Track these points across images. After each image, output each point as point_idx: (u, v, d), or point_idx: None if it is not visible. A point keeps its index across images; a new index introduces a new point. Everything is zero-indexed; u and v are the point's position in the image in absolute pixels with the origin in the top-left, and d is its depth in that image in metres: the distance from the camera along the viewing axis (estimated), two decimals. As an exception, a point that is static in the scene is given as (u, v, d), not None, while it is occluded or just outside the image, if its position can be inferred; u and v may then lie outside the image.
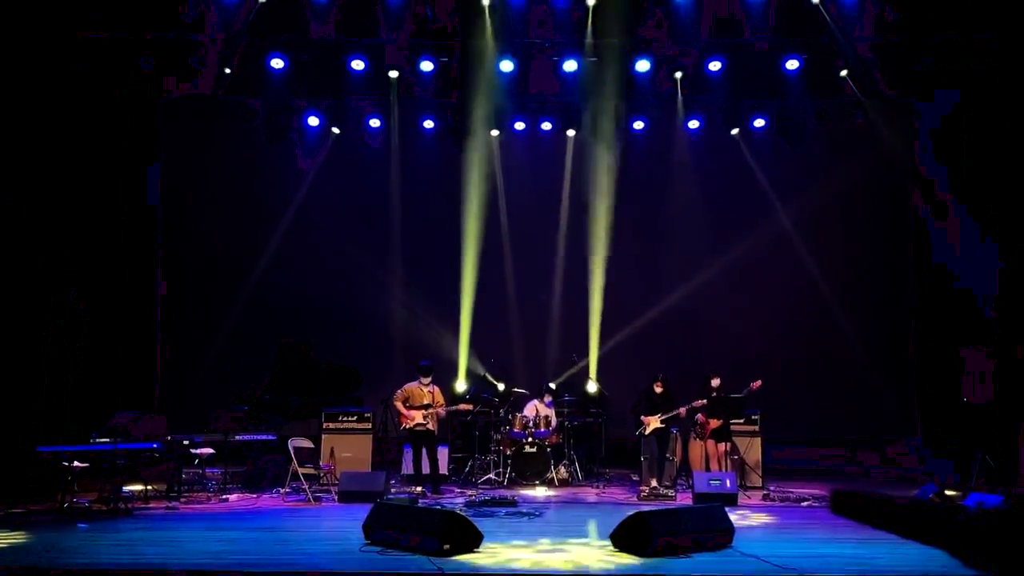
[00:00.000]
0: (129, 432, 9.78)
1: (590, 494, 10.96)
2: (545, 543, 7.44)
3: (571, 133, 14.11)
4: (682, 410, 10.80)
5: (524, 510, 9.32)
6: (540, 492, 10.98)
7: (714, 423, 10.84)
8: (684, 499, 10.20)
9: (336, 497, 10.11)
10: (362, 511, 7.73)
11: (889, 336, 14.07)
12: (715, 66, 12.73)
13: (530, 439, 11.48)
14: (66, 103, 11.61)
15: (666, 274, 14.20)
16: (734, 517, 7.75)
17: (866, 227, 14.21)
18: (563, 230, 14.24)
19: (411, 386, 11.01)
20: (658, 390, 10.90)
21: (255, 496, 10.40)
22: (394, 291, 14.15)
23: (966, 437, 11.11)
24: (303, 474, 10.19)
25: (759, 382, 10.65)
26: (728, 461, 10.85)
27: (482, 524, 7.32)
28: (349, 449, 11.49)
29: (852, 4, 11.77)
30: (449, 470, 11.81)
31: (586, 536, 7.93)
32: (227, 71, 12.50)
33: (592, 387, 13.30)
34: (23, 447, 9.54)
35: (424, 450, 10.90)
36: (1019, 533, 2.43)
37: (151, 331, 13.86)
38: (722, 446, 10.83)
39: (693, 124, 13.99)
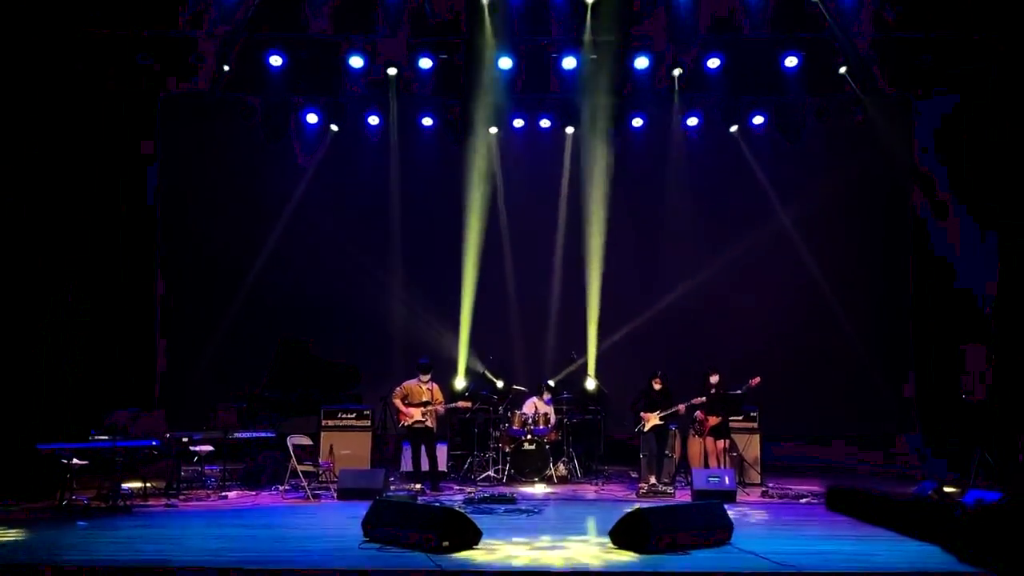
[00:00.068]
0: (128, 430, 9.79)
1: (589, 491, 10.96)
2: (544, 540, 7.45)
3: (570, 130, 14.10)
4: (681, 407, 10.81)
5: (523, 507, 9.32)
6: (539, 489, 10.99)
7: (713, 420, 10.85)
8: (683, 496, 10.22)
9: (335, 494, 10.12)
10: (361, 508, 7.74)
11: (888, 332, 14.08)
12: (714, 63, 12.70)
13: (529, 436, 11.49)
14: (65, 102, 11.59)
15: (665, 271, 14.20)
16: (733, 514, 7.75)
17: (865, 224, 14.21)
18: (562, 227, 14.24)
19: (410, 383, 11.02)
20: (657, 387, 10.91)
21: (254, 493, 10.41)
22: (393, 288, 14.15)
23: (965, 434, 11.11)
24: (302, 471, 10.20)
25: (758, 379, 10.66)
26: (727, 458, 10.87)
27: (481, 521, 7.33)
28: (348, 446, 11.48)
29: (851, 1, 11.74)
30: (448, 467, 11.83)
31: (585, 533, 7.94)
32: (225, 68, 12.47)
33: (591, 384, 13.30)
34: (22, 445, 9.53)
35: (423, 447, 10.90)
36: (1015, 529, 2.43)
37: (150, 328, 13.86)
38: (721, 443, 10.85)
39: (692, 121, 13.98)
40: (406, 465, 11.33)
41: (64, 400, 11.20)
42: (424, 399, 10.89)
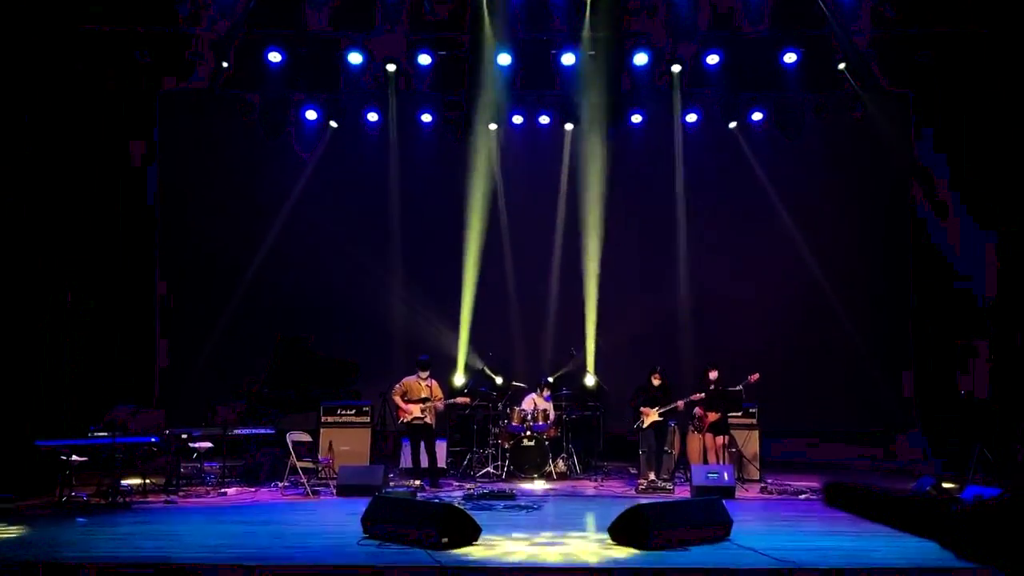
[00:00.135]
0: (127, 426, 9.77)
1: (588, 487, 10.97)
2: (543, 536, 7.45)
3: (569, 127, 14.10)
4: (680, 403, 10.82)
5: (522, 503, 9.32)
6: (538, 485, 10.99)
7: (712, 416, 10.86)
8: (682, 492, 10.23)
9: (334, 491, 10.13)
10: (360, 504, 7.74)
11: (887, 328, 14.07)
12: (713, 59, 12.72)
13: (528, 432, 11.49)
14: (64, 101, 11.59)
15: (663, 267, 14.19)
16: (732, 510, 7.75)
17: (864, 220, 14.21)
18: (561, 224, 14.24)
19: (409, 380, 11.03)
20: (656, 382, 10.91)
21: (253, 490, 10.42)
22: (392, 285, 14.14)
23: (964, 430, 11.12)
24: (301, 468, 10.21)
25: (757, 375, 10.67)
26: (726, 454, 10.88)
27: (480, 517, 7.33)
28: (347, 443, 11.49)
29: (850, -3, 11.77)
30: (447, 464, 11.83)
31: (584, 529, 7.95)
32: (224, 65, 12.47)
33: (590, 380, 13.31)
34: (21, 441, 9.54)
35: (422, 444, 10.91)
36: (1014, 525, 2.43)
37: (150, 325, 13.87)
38: (720, 439, 10.86)
39: (691, 118, 13.98)
40: (405, 461, 11.34)
41: (64, 397, 11.21)
42: (423, 395, 10.90)
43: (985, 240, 12.11)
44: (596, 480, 11.40)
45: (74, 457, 9.20)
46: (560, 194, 14.27)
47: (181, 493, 9.96)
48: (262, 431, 10.96)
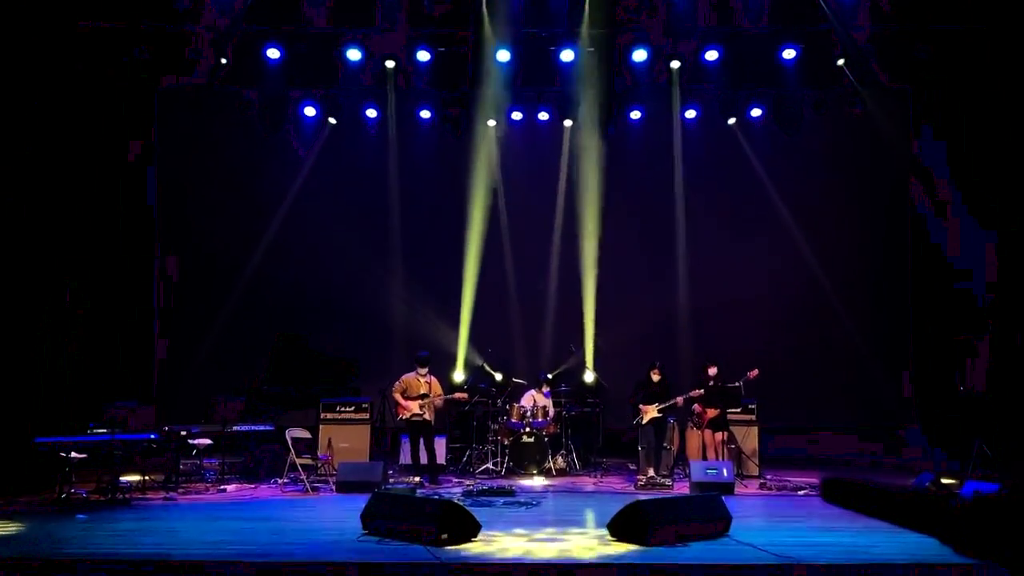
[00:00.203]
0: (127, 423, 9.80)
1: (588, 484, 10.98)
2: (543, 533, 7.46)
3: (568, 123, 14.08)
4: (679, 400, 10.82)
5: (522, 500, 9.34)
6: (538, 482, 11.00)
7: (711, 412, 10.86)
8: (681, 488, 10.24)
9: (334, 487, 10.14)
10: (360, 501, 7.75)
11: (886, 325, 14.08)
12: (712, 55, 12.70)
13: (528, 429, 11.50)
14: (63, 99, 11.56)
15: (663, 263, 14.19)
16: (731, 506, 7.76)
17: (863, 216, 14.21)
18: (560, 220, 14.24)
19: (408, 377, 11.02)
20: (655, 378, 10.91)
21: (253, 486, 10.42)
22: (392, 281, 14.14)
23: (964, 426, 11.13)
24: (301, 464, 10.20)
25: (756, 371, 10.68)
26: (725, 450, 10.89)
27: (480, 514, 7.34)
28: (347, 439, 11.50)
29: (849, -7, 11.75)
30: (447, 460, 11.84)
31: (584, 525, 7.95)
32: (223, 61, 12.45)
33: (589, 377, 13.31)
34: (21, 438, 9.54)
35: (422, 440, 10.91)
36: (1013, 521, 2.43)
37: (149, 322, 13.86)
38: (719, 435, 10.87)
39: (690, 114, 13.98)
40: (405, 458, 11.35)
41: (63, 394, 11.20)
42: (422, 392, 10.90)
43: (985, 240, 12.10)
44: (595, 476, 11.40)
45: (73, 454, 9.20)
46: (559, 190, 14.27)
47: (180, 490, 9.97)
48: (261, 428, 10.97)
